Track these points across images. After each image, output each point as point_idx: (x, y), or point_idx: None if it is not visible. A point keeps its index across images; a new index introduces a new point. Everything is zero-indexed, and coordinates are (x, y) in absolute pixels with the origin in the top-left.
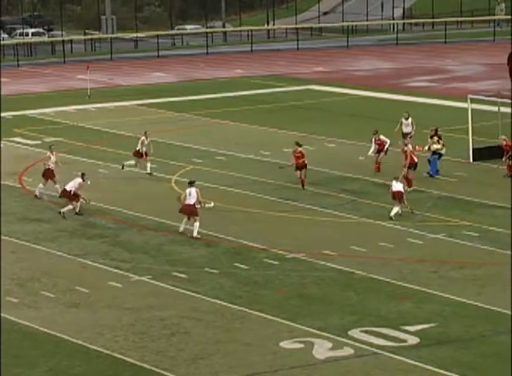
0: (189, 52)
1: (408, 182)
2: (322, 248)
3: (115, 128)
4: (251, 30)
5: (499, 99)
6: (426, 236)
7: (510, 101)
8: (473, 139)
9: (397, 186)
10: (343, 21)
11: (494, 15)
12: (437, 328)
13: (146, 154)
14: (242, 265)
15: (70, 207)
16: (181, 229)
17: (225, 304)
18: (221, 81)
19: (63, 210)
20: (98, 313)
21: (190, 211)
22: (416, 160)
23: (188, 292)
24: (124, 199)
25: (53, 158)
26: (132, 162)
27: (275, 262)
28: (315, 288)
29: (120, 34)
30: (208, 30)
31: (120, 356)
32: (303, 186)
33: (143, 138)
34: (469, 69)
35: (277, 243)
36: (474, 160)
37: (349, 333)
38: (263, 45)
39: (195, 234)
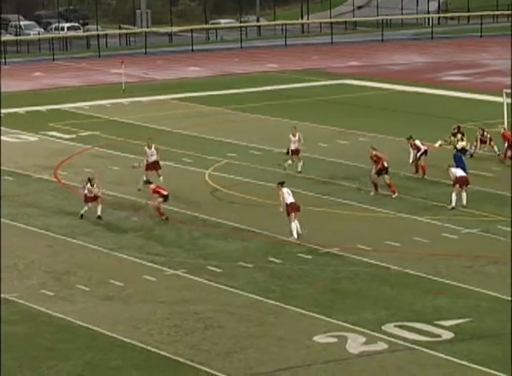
0: (223, 47)
1: (389, 186)
2: (357, 243)
3: (150, 123)
4: (285, 25)
5: None
6: (461, 231)
7: None
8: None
9: (459, 172)
10: (377, 15)
11: None
12: (471, 323)
13: (159, 166)
14: (276, 260)
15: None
16: (294, 234)
17: (258, 298)
18: (255, 76)
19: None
20: (133, 307)
21: (297, 208)
22: (386, 165)
23: (222, 286)
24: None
25: (153, 150)
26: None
27: (309, 257)
28: (348, 283)
29: (154, 29)
30: (242, 24)
31: (154, 350)
32: (394, 191)
33: (146, 148)
34: (505, 63)
35: (312, 237)
36: None
37: (383, 327)
38: (297, 39)
39: (299, 229)
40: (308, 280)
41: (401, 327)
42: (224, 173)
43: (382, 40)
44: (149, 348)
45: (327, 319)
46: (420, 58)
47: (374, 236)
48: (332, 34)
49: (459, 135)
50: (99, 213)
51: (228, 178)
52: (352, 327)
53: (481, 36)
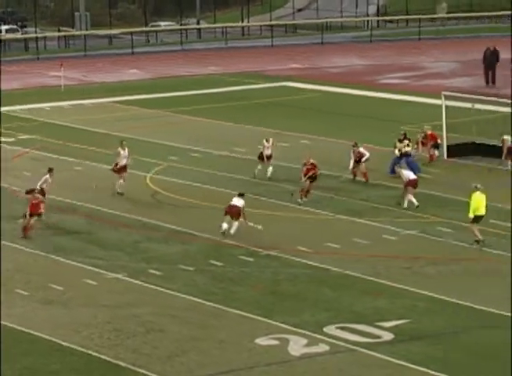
0: (163, 49)
1: (306, 193)
2: (298, 245)
3: (90, 125)
4: (226, 27)
5: (473, 96)
6: (400, 232)
7: (483, 97)
8: (447, 136)
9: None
10: (317, 18)
11: (477, 11)
12: (411, 324)
13: (125, 170)
14: (217, 262)
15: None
16: (223, 228)
17: (200, 301)
18: (195, 78)
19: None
20: (73, 311)
21: (235, 212)
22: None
23: (163, 289)
24: (99, 196)
25: (126, 153)
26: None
27: (251, 259)
28: (289, 285)
29: (94, 31)
30: (182, 27)
31: (95, 354)
32: (305, 195)
33: (120, 149)
34: (443, 66)
35: (252, 240)
36: (448, 156)
37: (324, 329)
38: (238, 42)
39: (233, 231)
40: (249, 282)
41: (342, 328)
42: (165, 176)
43: (322, 43)
44: (89, 352)
45: (268, 321)
46: (360, 60)
47: (314, 238)
48: (272, 37)
49: (405, 141)
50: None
51: (169, 182)
52: (294, 329)
53: (420, 39)
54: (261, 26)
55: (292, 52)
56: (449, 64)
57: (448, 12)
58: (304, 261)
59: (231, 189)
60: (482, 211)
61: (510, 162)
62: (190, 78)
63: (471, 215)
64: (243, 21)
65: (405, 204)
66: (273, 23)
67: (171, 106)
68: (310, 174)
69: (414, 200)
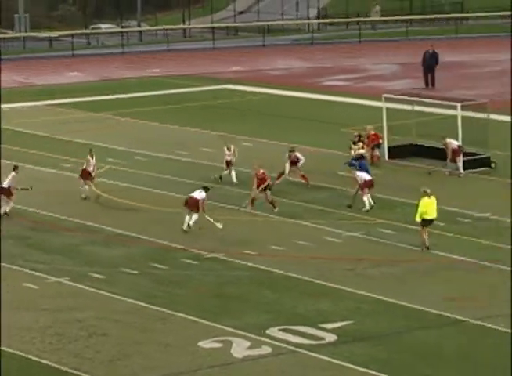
0: (104, 52)
1: (251, 202)
2: (242, 248)
3: (30, 129)
4: (167, 30)
5: (413, 98)
6: (343, 234)
7: (423, 99)
8: (388, 138)
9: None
10: (258, 20)
11: (418, 14)
12: (354, 325)
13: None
14: (160, 266)
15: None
16: (185, 226)
17: (143, 304)
18: (137, 81)
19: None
20: (13, 315)
21: (191, 204)
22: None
23: (105, 293)
24: (40, 200)
25: (92, 161)
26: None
27: (194, 262)
28: (232, 287)
29: (33, 33)
30: (123, 29)
31: (36, 359)
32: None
33: (89, 157)
34: (384, 68)
35: (196, 243)
36: (389, 158)
37: (267, 332)
38: (179, 44)
39: (191, 222)
40: (193, 285)
41: (285, 330)
42: (108, 179)
43: (263, 45)
44: (30, 356)
45: (212, 324)
46: (301, 63)
47: (258, 240)
48: (214, 39)
49: (360, 144)
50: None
51: (112, 184)
52: (237, 331)
53: (360, 41)
54: (202, 28)
55: (233, 54)
56: (390, 66)
57: (384, 15)
58: (247, 263)
59: (175, 192)
60: (431, 215)
61: (454, 164)
62: (132, 81)
63: (418, 219)
64: (184, 23)
65: (367, 206)
66: (215, 25)
67: (113, 109)
68: (263, 186)
69: (371, 201)
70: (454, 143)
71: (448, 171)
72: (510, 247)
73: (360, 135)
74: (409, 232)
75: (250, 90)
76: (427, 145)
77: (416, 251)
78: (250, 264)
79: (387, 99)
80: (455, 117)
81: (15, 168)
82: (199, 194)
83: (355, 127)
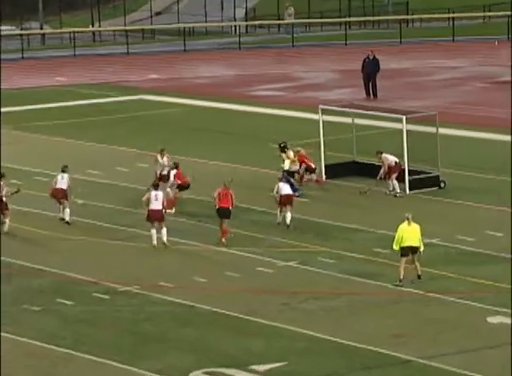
0: (1, 57)
1: (171, 203)
2: (160, 280)
3: None
4: (74, 33)
5: (353, 110)
6: (276, 264)
7: (364, 112)
8: (325, 155)
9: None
10: (178, 22)
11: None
12: (288, 367)
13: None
14: (67, 301)
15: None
16: (154, 242)
17: (47, 346)
18: (39, 91)
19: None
20: None
21: (159, 217)
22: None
23: (4, 334)
24: None
25: (165, 161)
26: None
27: (106, 297)
28: (150, 325)
29: None
30: (23, 31)
31: None
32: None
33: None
34: (319, 76)
35: (108, 275)
36: (327, 177)
37: (190, 375)
38: (88, 49)
39: (165, 239)
40: (105, 323)
41: (210, 373)
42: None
43: (184, 50)
44: None
45: (128, 367)
46: (228, 70)
47: (179, 271)
48: (128, 44)
49: (291, 153)
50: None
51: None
52: (155, 375)
53: (293, 46)
54: (114, 31)
55: (151, 60)
56: (327, 74)
57: (322, 17)
58: (167, 297)
59: (83, 217)
60: (411, 241)
61: (391, 183)
62: (33, 91)
63: (395, 247)
64: (93, 25)
65: (279, 219)
66: (128, 28)
67: (10, 123)
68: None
69: (287, 220)
70: (391, 159)
71: (389, 191)
72: (460, 276)
73: (285, 145)
74: (351, 260)
75: (170, 101)
76: (369, 162)
77: (358, 283)
78: (169, 298)
79: (324, 111)
80: (399, 131)
81: (2, 176)
82: (63, 184)
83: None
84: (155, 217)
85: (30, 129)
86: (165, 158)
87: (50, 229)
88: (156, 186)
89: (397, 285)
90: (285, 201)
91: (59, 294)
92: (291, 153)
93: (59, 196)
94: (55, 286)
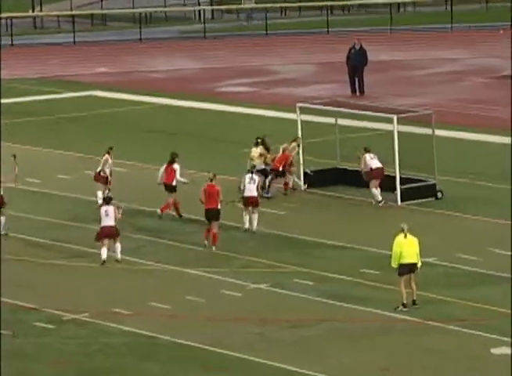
0: None
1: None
2: (112, 306)
3: None
4: (11, 18)
5: (336, 108)
6: (247, 286)
7: (348, 110)
8: (304, 160)
9: None
10: (133, 7)
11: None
12: None
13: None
14: (4, 331)
15: None
16: (104, 256)
17: None
18: None
19: None
20: None
21: (111, 233)
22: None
23: None
24: None
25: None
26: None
27: (50, 326)
28: (102, 359)
29: None
30: None
31: None
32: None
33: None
34: (296, 69)
35: (52, 301)
36: (306, 186)
37: None
38: (28, 37)
39: (119, 257)
40: (49, 357)
41: None
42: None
43: (140, 39)
44: None
45: None
46: (191, 63)
47: (134, 296)
48: (74, 32)
49: (261, 149)
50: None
51: None
52: None
53: (267, 34)
54: (58, 16)
55: (101, 51)
56: (306, 67)
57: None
58: (121, 327)
59: (18, 232)
60: (410, 258)
61: (375, 190)
62: None
63: (393, 265)
64: (34, 10)
65: (246, 225)
66: (75, 13)
67: None
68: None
69: (253, 225)
70: (373, 162)
71: (375, 201)
72: (460, 301)
73: (263, 139)
74: (333, 282)
75: (124, 98)
76: (353, 169)
77: (341, 308)
78: (124, 327)
79: (303, 110)
80: (390, 132)
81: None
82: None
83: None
84: (107, 234)
85: None
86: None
87: None
88: (107, 200)
89: (400, 310)
90: (248, 203)
91: None
92: (259, 150)
93: None
94: None
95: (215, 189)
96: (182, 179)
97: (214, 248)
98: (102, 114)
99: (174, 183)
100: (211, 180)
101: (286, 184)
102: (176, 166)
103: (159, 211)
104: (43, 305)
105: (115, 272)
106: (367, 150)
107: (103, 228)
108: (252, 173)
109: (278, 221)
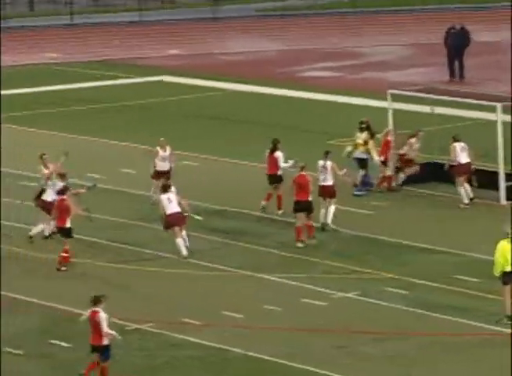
0: None
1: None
2: (181, 315)
3: None
4: None
5: (433, 96)
6: (330, 294)
7: (446, 98)
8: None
9: None
10: None
11: None
12: None
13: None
14: (61, 343)
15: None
16: (183, 252)
17: None
18: (21, 70)
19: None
20: None
21: (179, 220)
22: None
23: None
24: None
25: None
26: None
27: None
28: (169, 373)
29: None
30: None
31: None
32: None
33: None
34: (387, 51)
35: (114, 308)
36: (400, 183)
37: None
38: (88, 16)
39: (185, 253)
40: (112, 370)
41: None
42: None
43: (214, 18)
44: None
45: None
46: (269, 44)
47: (205, 304)
48: (141, 9)
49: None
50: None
51: None
52: None
53: (355, 11)
54: None
55: (171, 31)
56: (398, 49)
57: None
58: (190, 338)
59: (78, 233)
60: None
61: (463, 189)
62: (13, 70)
63: (496, 273)
64: None
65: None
66: None
67: None
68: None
69: (328, 218)
70: (463, 155)
71: (463, 204)
72: None
73: (368, 123)
74: (425, 291)
75: (196, 84)
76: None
77: (433, 319)
78: (194, 339)
79: (395, 97)
80: (493, 123)
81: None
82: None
83: (347, 138)
84: (175, 221)
85: (7, 120)
86: (167, 151)
87: (30, 248)
88: (164, 189)
89: (504, 323)
90: (324, 193)
91: (49, 334)
92: (364, 136)
93: (48, 208)
94: (46, 323)
95: (306, 179)
96: (288, 163)
97: (299, 244)
98: (170, 102)
99: (279, 172)
100: (302, 170)
101: (385, 179)
102: (279, 153)
103: (263, 202)
104: (106, 313)
105: (183, 277)
106: (457, 139)
107: (170, 215)
108: (326, 158)
109: (364, 221)
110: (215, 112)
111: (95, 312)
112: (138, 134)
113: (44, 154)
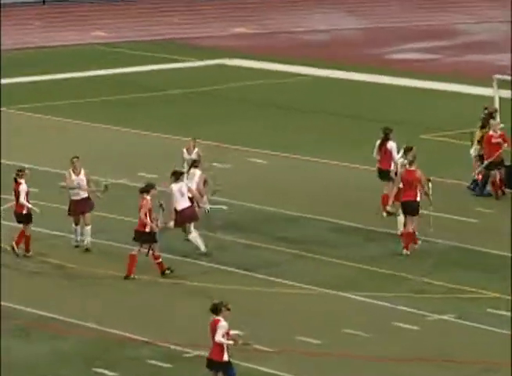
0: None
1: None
2: (248, 340)
3: None
4: None
5: None
6: (425, 317)
7: None
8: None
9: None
10: None
11: None
12: None
13: None
14: (107, 371)
15: None
16: (202, 248)
17: None
18: (69, 51)
19: None
20: None
21: (194, 216)
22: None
23: None
24: None
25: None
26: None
27: (166, 365)
28: None
29: None
30: None
31: None
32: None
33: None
34: (491, 29)
35: (167, 332)
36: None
37: None
38: None
39: (203, 249)
40: None
41: None
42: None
43: None
44: None
45: None
46: (352, 21)
47: (279, 327)
48: None
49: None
50: None
51: (34, 232)
52: None
53: None
54: None
55: (236, 6)
56: (504, 27)
57: None
58: (259, 367)
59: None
60: None
61: None
62: (60, 50)
63: None
64: None
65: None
66: None
67: (20, 100)
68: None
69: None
70: None
71: None
72: None
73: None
74: None
75: (265, 68)
76: None
77: None
78: (265, 369)
79: (501, 84)
80: None
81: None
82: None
83: (442, 132)
84: (189, 217)
85: (45, 110)
86: (194, 153)
87: (76, 261)
88: (176, 176)
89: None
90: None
91: (96, 360)
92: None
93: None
94: (91, 348)
95: (416, 176)
96: (401, 158)
97: (405, 252)
98: (236, 89)
99: (391, 167)
100: (410, 164)
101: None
102: (392, 144)
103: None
104: (157, 337)
105: (249, 297)
106: None
107: (182, 211)
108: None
109: (466, 231)
110: (288, 101)
111: (216, 321)
112: (199, 126)
113: (76, 157)
